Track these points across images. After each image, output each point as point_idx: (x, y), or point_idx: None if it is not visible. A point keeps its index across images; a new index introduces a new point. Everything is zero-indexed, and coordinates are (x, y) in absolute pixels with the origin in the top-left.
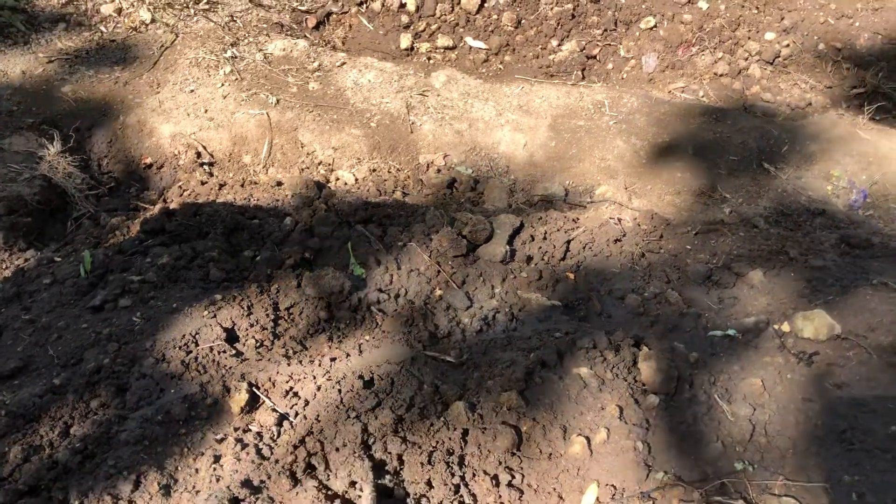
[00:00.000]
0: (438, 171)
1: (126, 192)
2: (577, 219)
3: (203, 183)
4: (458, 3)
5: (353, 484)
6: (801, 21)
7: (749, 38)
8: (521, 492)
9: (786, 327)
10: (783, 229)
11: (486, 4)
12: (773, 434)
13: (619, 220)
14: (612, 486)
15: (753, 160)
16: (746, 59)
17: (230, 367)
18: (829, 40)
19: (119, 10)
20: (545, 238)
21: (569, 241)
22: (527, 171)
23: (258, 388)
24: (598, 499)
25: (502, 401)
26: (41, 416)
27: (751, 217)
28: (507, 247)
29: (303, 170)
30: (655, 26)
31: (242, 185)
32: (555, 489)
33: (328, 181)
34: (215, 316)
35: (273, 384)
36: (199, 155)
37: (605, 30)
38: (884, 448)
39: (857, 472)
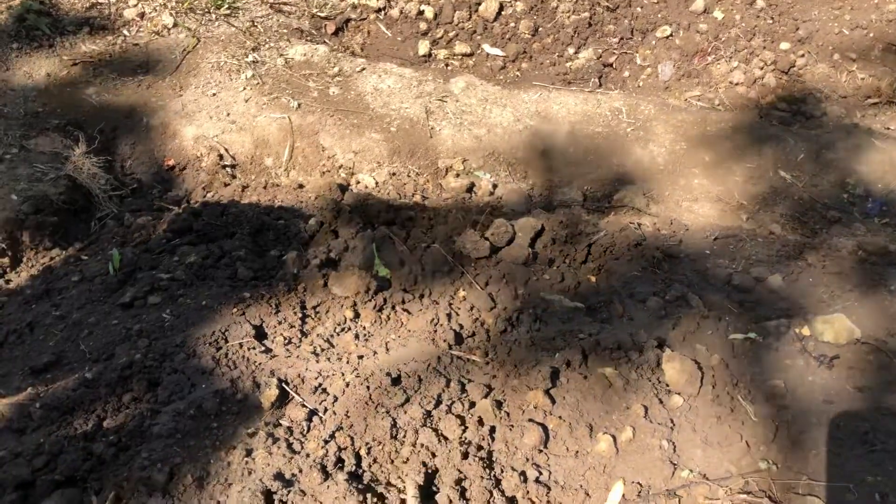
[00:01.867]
0: (457, 175)
1: (149, 194)
2: (597, 223)
3: (226, 185)
4: (476, 11)
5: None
6: (815, 31)
7: (764, 47)
8: (549, 488)
9: (806, 331)
10: (800, 236)
11: (503, 12)
12: (796, 435)
13: (640, 224)
14: (639, 483)
15: (770, 168)
16: (762, 68)
17: (260, 364)
18: (843, 50)
19: (142, 15)
20: (566, 241)
21: (590, 245)
22: (545, 176)
23: (287, 384)
24: (624, 496)
25: (529, 399)
26: (75, 409)
27: (767, 224)
28: (530, 249)
29: (324, 173)
30: (671, 35)
31: (265, 188)
32: (581, 486)
33: (349, 184)
34: (244, 313)
35: (302, 380)
36: (221, 157)
37: (622, 38)
38: None
39: (879, 473)
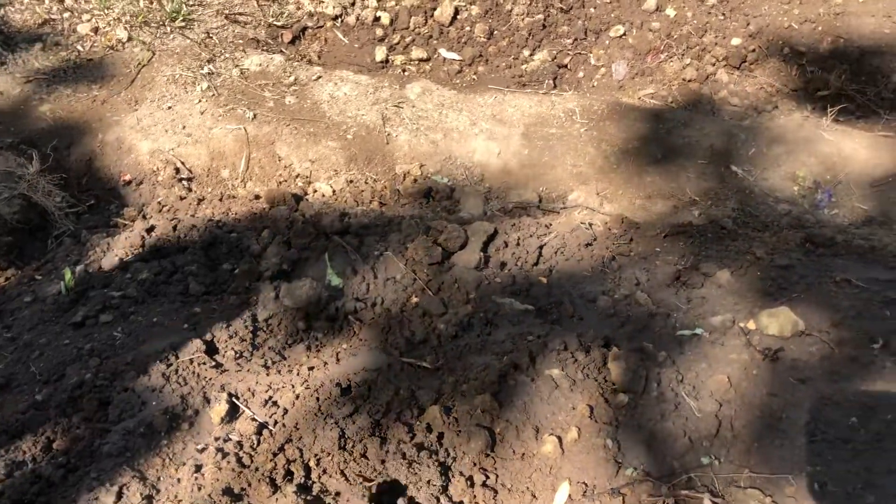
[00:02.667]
0: (415, 180)
1: (106, 209)
2: (550, 224)
3: (182, 198)
4: (432, 16)
5: (337, 492)
6: (766, 26)
7: (716, 43)
8: (496, 491)
9: (752, 325)
10: (751, 230)
11: (458, 16)
12: (739, 429)
13: (590, 224)
14: (584, 483)
15: (721, 163)
16: (714, 64)
17: (210, 379)
18: (793, 44)
19: (96, 30)
20: (518, 244)
21: (541, 247)
22: (501, 178)
23: (238, 398)
24: (570, 496)
25: (476, 403)
26: (24, 433)
27: (719, 219)
28: (482, 253)
29: (280, 183)
30: (624, 34)
31: (221, 200)
32: (528, 488)
33: (306, 193)
34: (195, 328)
35: (252, 394)
36: (177, 171)
37: (576, 39)
38: (845, 439)
39: (819, 463)
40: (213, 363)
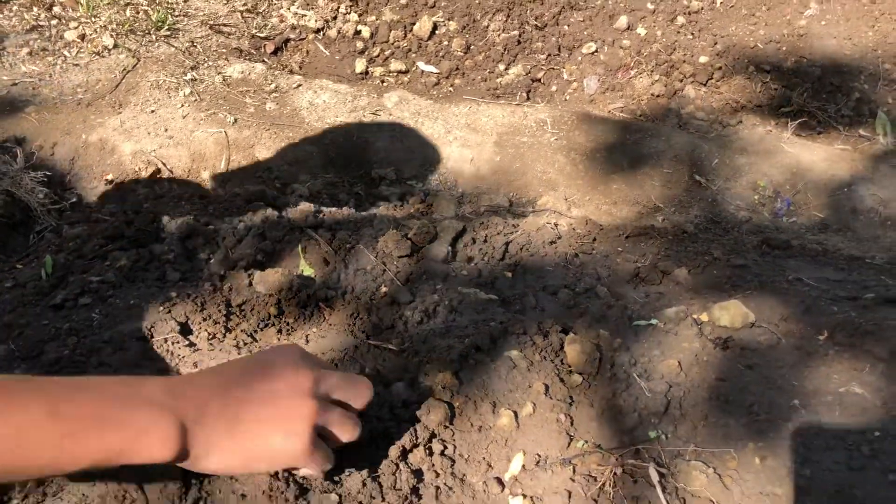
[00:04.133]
0: (390, 183)
1: (88, 207)
2: (517, 224)
3: (161, 196)
4: (411, 31)
5: None
6: (732, 46)
7: (684, 61)
8: (453, 461)
9: (704, 317)
10: (712, 234)
11: (437, 31)
12: (687, 408)
13: (556, 224)
14: (538, 454)
15: (686, 172)
16: (682, 80)
17: (184, 357)
18: (758, 63)
19: (82, 37)
20: (486, 241)
21: (507, 244)
22: (474, 184)
23: None
24: (524, 466)
25: (438, 380)
26: None
27: (681, 224)
28: (450, 248)
29: (259, 184)
30: (596, 51)
31: (200, 198)
32: (484, 458)
33: (284, 194)
34: (170, 311)
35: None
36: (159, 171)
37: (549, 55)
38: (785, 418)
39: (760, 440)
40: (188, 342)
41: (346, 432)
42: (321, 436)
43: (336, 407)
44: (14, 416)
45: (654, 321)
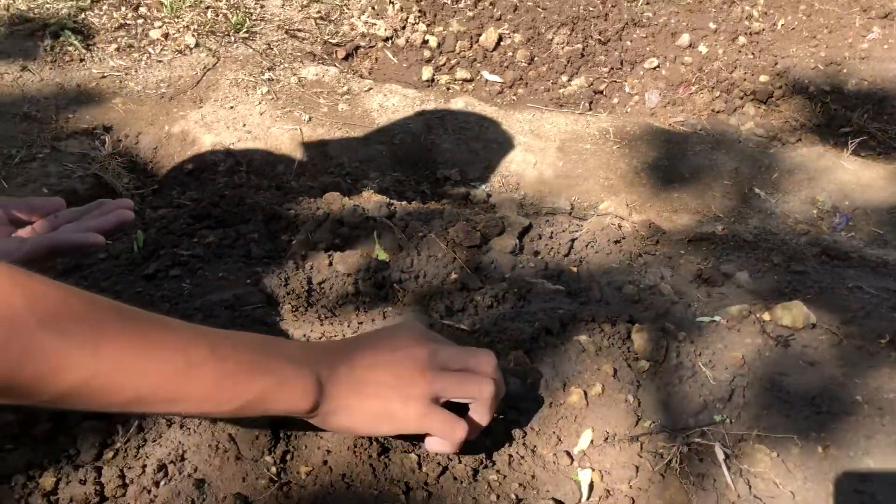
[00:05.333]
0: (454, 184)
1: (169, 194)
2: (581, 224)
3: (240, 185)
4: (477, 41)
5: None
6: (793, 66)
7: (744, 79)
8: (525, 433)
9: (766, 316)
10: (771, 244)
11: (502, 43)
12: (751, 397)
13: (620, 226)
14: (606, 431)
15: (745, 185)
16: (742, 98)
17: (269, 324)
18: (818, 84)
19: (166, 35)
20: (551, 237)
21: (573, 241)
22: (536, 187)
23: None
24: (592, 441)
25: (510, 358)
26: None
27: (740, 232)
28: (517, 241)
29: (331, 180)
30: (658, 66)
31: (278, 188)
32: (554, 432)
33: (355, 189)
34: (257, 284)
35: (308, 339)
36: (237, 163)
37: (612, 68)
38: (848, 412)
39: (822, 430)
40: (274, 312)
41: (470, 391)
42: (449, 406)
43: (453, 373)
44: (181, 350)
45: (717, 318)
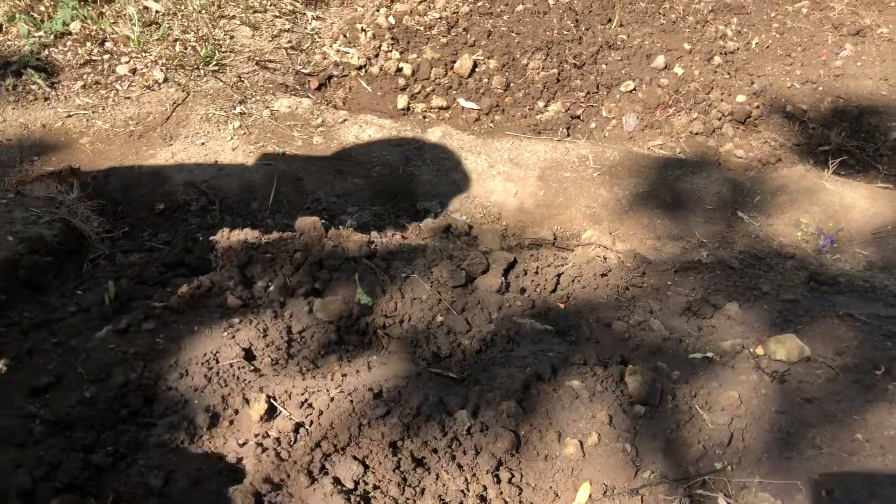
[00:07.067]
0: (435, 216)
1: (140, 236)
2: (566, 257)
3: (213, 225)
4: (452, 68)
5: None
6: (769, 85)
7: (722, 100)
8: (521, 489)
9: (760, 350)
10: (757, 270)
11: (477, 69)
12: (750, 440)
13: (605, 258)
14: (604, 484)
15: (728, 209)
16: (720, 119)
17: (249, 381)
18: (795, 103)
19: (134, 70)
20: (537, 272)
21: (559, 276)
22: (517, 217)
23: (275, 400)
24: (590, 496)
25: (502, 408)
26: (74, 425)
27: (727, 259)
28: (503, 279)
29: (308, 215)
30: (634, 89)
31: (252, 227)
32: (551, 487)
33: (333, 226)
34: (234, 337)
35: (289, 396)
36: (210, 202)
37: (588, 92)
38: (849, 451)
39: (825, 472)
40: (252, 368)
41: None
42: None
43: None
44: None
45: (709, 354)
